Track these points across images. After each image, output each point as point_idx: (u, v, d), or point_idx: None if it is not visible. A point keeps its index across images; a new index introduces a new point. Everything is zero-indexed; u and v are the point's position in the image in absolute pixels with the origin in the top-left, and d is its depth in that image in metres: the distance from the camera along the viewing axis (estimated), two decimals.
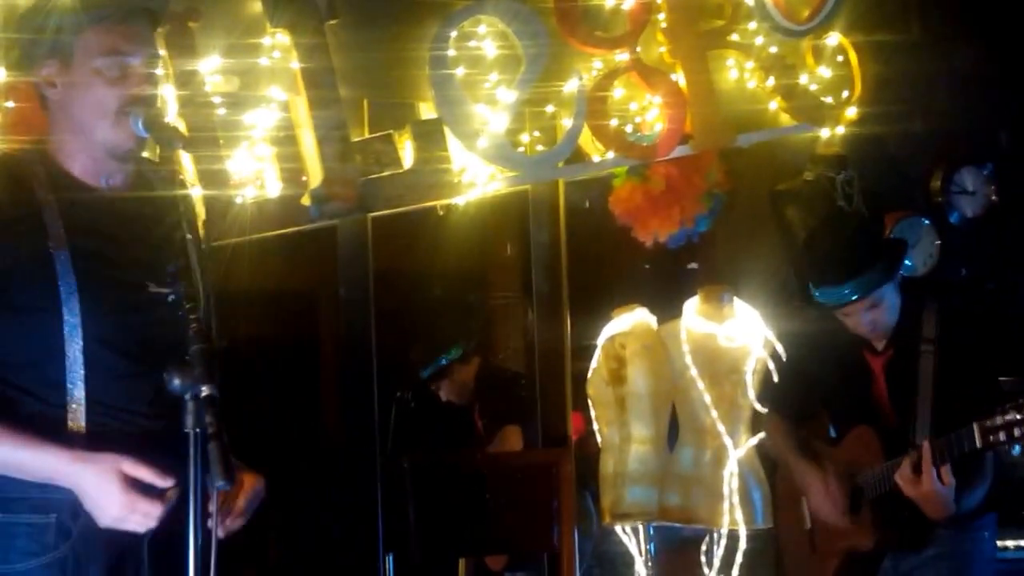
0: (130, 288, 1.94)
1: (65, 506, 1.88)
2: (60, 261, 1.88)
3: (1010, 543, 3.49)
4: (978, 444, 2.68)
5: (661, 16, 3.29)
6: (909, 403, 2.89)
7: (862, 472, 2.97)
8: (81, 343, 1.87)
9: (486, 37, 3.05)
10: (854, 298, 2.87)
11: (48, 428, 1.86)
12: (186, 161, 2.66)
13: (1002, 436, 2.66)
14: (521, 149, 3.13)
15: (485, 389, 4.01)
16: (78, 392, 1.87)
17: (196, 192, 2.56)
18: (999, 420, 2.65)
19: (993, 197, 4.11)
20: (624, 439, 3.26)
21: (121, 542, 1.91)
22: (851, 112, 3.55)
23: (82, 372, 1.87)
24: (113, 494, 1.81)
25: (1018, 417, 2.63)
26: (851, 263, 2.87)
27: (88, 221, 1.93)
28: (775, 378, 3.12)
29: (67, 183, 1.95)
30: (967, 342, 2.92)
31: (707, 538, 3.22)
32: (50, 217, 1.90)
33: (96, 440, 1.87)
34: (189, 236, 2.00)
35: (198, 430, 1.71)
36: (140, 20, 1.97)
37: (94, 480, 1.82)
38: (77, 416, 1.87)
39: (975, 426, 2.68)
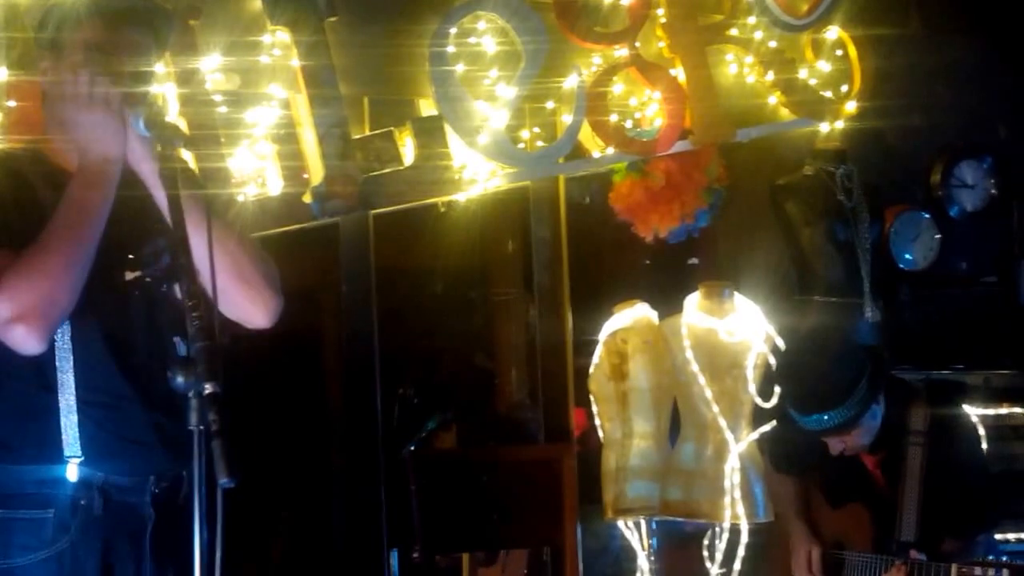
0: (109, 276, 1.94)
1: (63, 501, 1.89)
2: None
3: (1011, 536, 3.51)
4: None
5: (660, 11, 3.30)
6: (897, 492, 2.92)
7: (849, 550, 3.02)
8: (70, 328, 1.88)
9: (485, 33, 3.06)
10: (820, 428, 2.86)
11: (38, 417, 1.88)
12: (187, 160, 2.66)
13: None
14: (521, 145, 3.14)
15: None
16: (67, 377, 1.88)
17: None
18: (978, 571, 2.73)
19: (992, 190, 4.12)
20: (626, 434, 3.27)
21: (120, 537, 1.93)
22: (850, 106, 3.55)
23: (70, 355, 1.89)
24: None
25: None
26: (818, 400, 2.83)
27: None
28: (774, 375, 3.13)
29: (62, 181, 1.94)
30: (956, 438, 2.95)
31: (709, 532, 3.23)
32: (49, 210, 1.89)
33: (85, 429, 1.89)
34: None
35: (201, 427, 1.70)
36: (125, 18, 1.96)
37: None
38: (68, 403, 1.89)
39: (954, 568, 2.75)
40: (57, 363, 1.89)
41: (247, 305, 1.99)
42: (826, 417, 2.84)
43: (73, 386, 1.89)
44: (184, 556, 1.81)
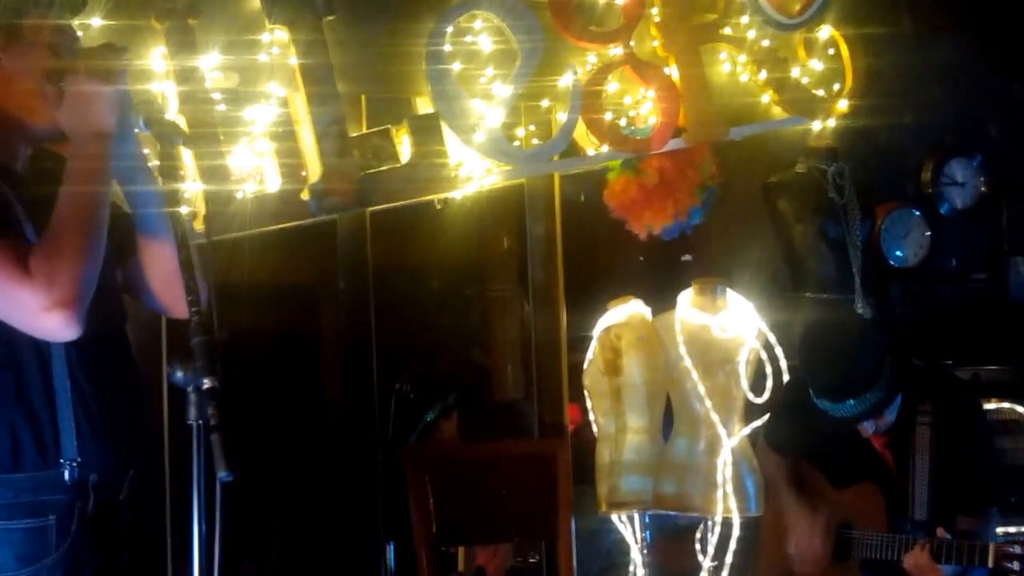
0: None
1: (63, 506, 1.88)
2: None
3: (1000, 529, 3.53)
4: (990, 564, 2.77)
5: (654, 11, 3.32)
6: (907, 472, 2.95)
7: (861, 528, 3.04)
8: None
9: (481, 32, 3.08)
10: (854, 414, 2.89)
11: (37, 421, 1.87)
12: (187, 157, 2.69)
13: (1016, 565, 2.74)
14: (517, 143, 3.16)
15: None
16: (63, 382, 1.88)
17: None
18: (1017, 549, 2.74)
19: (982, 188, 4.15)
20: (620, 429, 3.30)
21: (107, 533, 1.94)
22: (842, 105, 3.58)
23: (64, 360, 1.87)
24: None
25: None
26: (851, 384, 2.85)
27: (34, 207, 1.90)
28: (768, 376, 3.15)
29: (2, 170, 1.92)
30: (963, 413, 2.99)
31: (701, 526, 3.26)
32: (13, 206, 1.86)
33: (82, 432, 1.89)
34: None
35: (200, 422, 1.72)
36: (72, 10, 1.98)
37: None
38: (65, 407, 1.88)
39: (991, 547, 2.76)
40: (54, 368, 1.87)
41: (180, 297, 1.86)
42: (857, 402, 2.86)
43: (69, 388, 1.88)
44: (145, 543, 1.85)
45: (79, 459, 1.88)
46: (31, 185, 1.93)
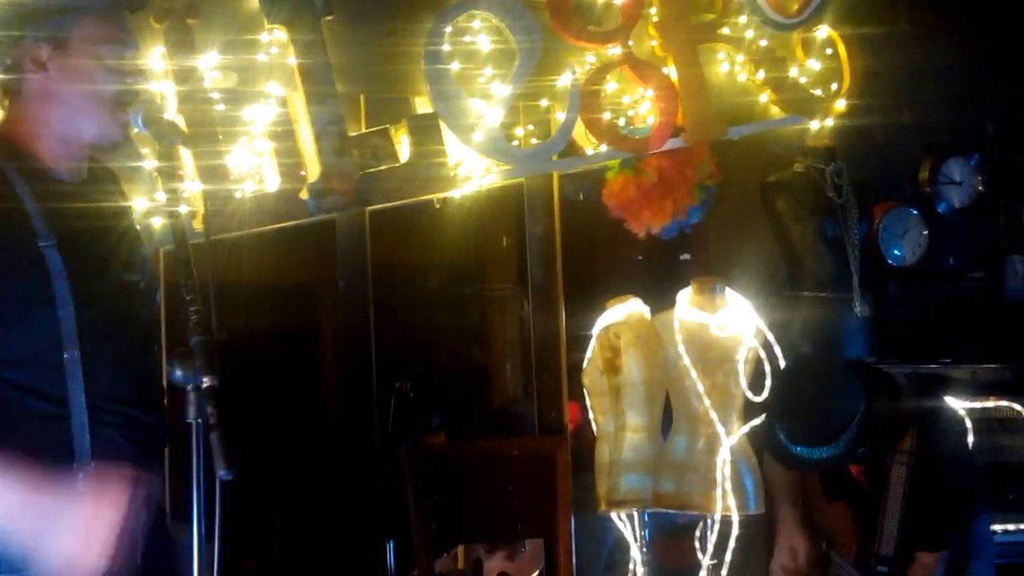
0: (111, 278, 1.98)
1: None
2: (50, 255, 1.89)
3: (998, 527, 3.54)
4: None
5: (652, 10, 3.33)
6: (879, 502, 2.93)
7: (834, 548, 3.06)
8: (77, 336, 1.89)
9: (480, 32, 3.09)
10: (810, 461, 2.88)
11: (50, 427, 1.88)
12: (185, 157, 2.70)
13: None
14: (516, 143, 3.17)
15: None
16: (76, 386, 1.89)
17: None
18: None
19: (980, 187, 4.16)
20: (619, 428, 3.31)
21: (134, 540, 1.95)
22: (840, 104, 3.59)
23: (79, 364, 1.88)
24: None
25: None
26: (815, 435, 2.83)
27: (65, 213, 1.93)
28: (767, 375, 3.15)
29: (40, 174, 1.95)
30: (943, 462, 2.94)
31: (701, 524, 3.27)
32: (33, 211, 1.90)
33: (97, 435, 1.90)
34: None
35: (199, 420, 1.73)
36: (127, 12, 2.03)
37: None
38: (79, 412, 1.89)
39: None
40: (68, 374, 1.88)
41: None
42: (813, 453, 2.85)
43: (83, 392, 1.89)
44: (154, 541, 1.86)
45: (92, 463, 1.88)
46: (77, 193, 1.97)
